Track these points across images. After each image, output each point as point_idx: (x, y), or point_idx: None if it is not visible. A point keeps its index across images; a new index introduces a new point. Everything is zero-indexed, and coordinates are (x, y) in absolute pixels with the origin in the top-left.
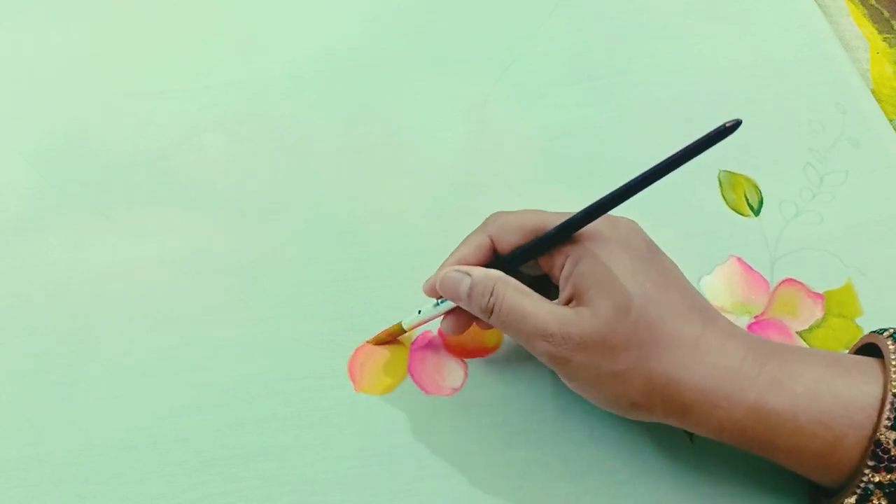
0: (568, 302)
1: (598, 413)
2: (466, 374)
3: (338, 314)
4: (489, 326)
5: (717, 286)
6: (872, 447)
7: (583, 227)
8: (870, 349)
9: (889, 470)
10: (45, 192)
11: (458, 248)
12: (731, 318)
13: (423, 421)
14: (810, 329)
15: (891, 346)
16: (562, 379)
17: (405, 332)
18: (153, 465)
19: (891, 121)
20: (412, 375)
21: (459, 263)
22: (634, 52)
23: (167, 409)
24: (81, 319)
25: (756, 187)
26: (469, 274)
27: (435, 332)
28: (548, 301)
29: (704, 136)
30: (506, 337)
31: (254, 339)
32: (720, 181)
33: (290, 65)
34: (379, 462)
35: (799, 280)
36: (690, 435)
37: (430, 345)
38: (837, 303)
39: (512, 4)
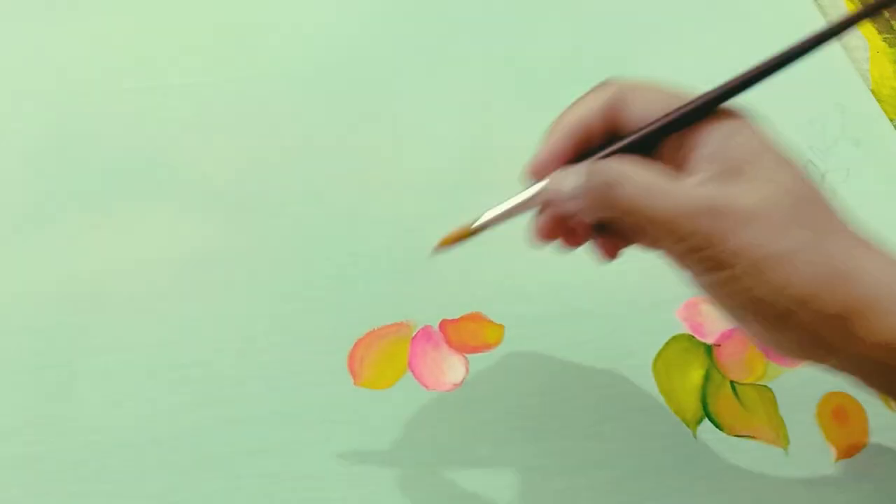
0: (701, 180)
1: (600, 408)
2: (467, 369)
3: (337, 310)
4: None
5: None
6: None
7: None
8: None
9: None
10: (45, 191)
11: (571, 108)
12: None
13: (423, 416)
14: None
15: None
16: (698, 275)
17: (472, 233)
18: (153, 462)
19: (891, 120)
20: (412, 370)
21: (579, 124)
22: (634, 51)
23: (167, 407)
24: (81, 319)
25: None
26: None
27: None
28: (690, 177)
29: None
30: (507, 333)
31: (253, 334)
32: None
33: (289, 62)
34: (379, 457)
35: None
36: (694, 431)
37: (430, 340)
38: None
39: (513, 3)
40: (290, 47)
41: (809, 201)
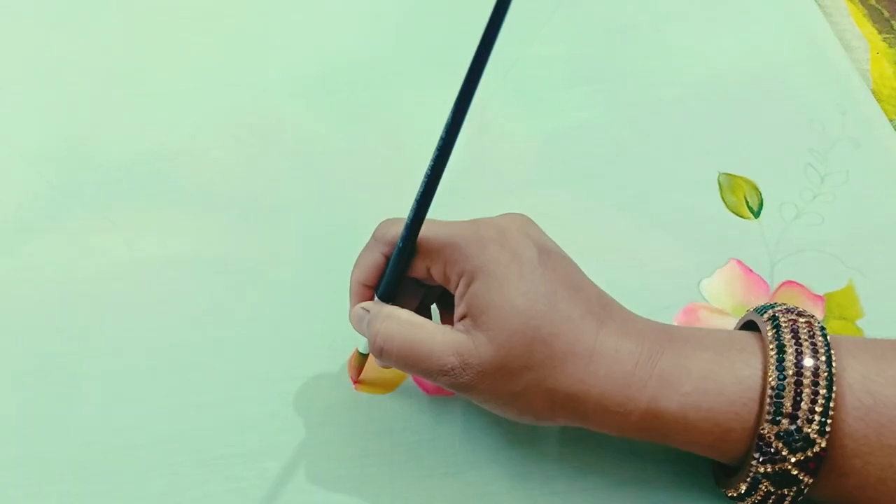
0: (463, 318)
1: None
2: None
3: (338, 314)
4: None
5: (717, 289)
6: (756, 441)
7: (417, 229)
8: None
9: (773, 462)
10: (45, 192)
11: (355, 264)
12: (730, 321)
13: (424, 420)
14: None
15: (769, 333)
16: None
17: (365, 356)
18: (153, 464)
19: (891, 121)
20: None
21: (361, 283)
22: (634, 54)
23: (167, 409)
24: (81, 319)
25: (756, 189)
26: (368, 311)
27: None
28: (441, 328)
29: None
30: None
31: (254, 338)
32: (720, 184)
33: (290, 66)
34: (379, 461)
35: (799, 282)
36: None
37: None
38: (838, 305)
39: (512, 7)
40: (291, 52)
41: (537, 344)
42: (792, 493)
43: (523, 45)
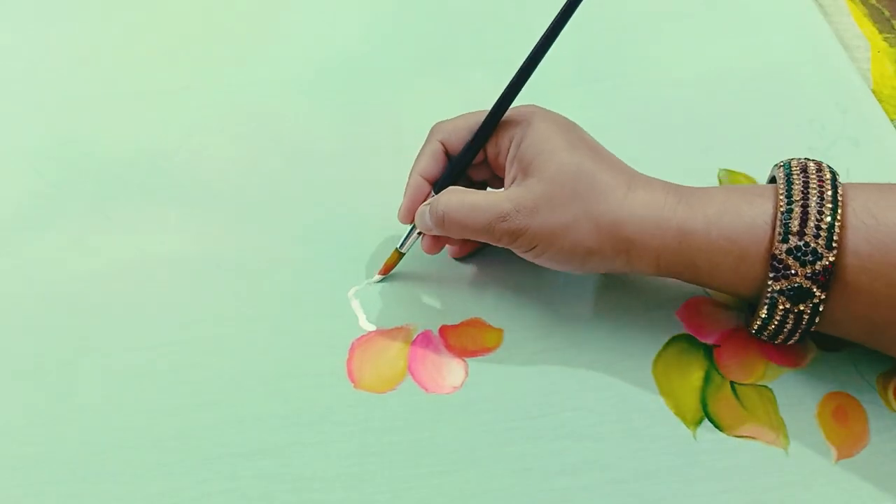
0: (513, 181)
1: (599, 409)
2: (467, 372)
3: (337, 312)
4: (463, 245)
5: None
6: (770, 260)
7: (511, 101)
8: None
9: (785, 277)
10: (45, 192)
11: (415, 162)
12: (732, 315)
13: (423, 419)
14: None
15: (781, 171)
16: (523, 254)
17: (403, 254)
18: (152, 463)
19: (891, 120)
20: (412, 374)
21: (422, 175)
22: (636, 53)
23: (166, 408)
24: (81, 319)
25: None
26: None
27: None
28: (494, 191)
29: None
30: (506, 336)
31: (253, 337)
32: (720, 179)
33: (290, 65)
34: (378, 460)
35: None
36: (693, 431)
37: (430, 344)
38: None
39: (513, 6)
40: (290, 50)
41: (581, 177)
42: (809, 311)
43: (526, 44)
